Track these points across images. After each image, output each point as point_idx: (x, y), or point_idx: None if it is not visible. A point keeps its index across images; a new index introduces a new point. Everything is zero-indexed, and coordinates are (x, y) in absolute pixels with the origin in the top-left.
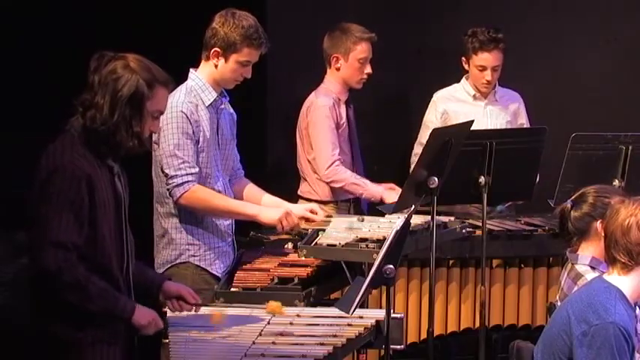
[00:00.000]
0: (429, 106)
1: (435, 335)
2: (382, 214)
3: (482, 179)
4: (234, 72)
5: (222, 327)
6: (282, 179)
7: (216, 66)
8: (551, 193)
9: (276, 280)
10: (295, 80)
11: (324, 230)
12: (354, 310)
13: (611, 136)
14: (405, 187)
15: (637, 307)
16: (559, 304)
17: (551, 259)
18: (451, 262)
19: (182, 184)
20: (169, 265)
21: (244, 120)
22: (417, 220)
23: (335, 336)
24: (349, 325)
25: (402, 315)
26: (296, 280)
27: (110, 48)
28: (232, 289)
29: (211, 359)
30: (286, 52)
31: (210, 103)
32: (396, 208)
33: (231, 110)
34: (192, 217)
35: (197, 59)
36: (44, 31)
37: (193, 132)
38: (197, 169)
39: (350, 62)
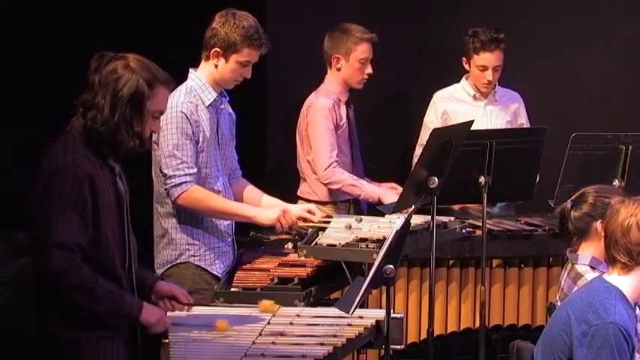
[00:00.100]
0: (429, 106)
1: (435, 335)
2: (382, 214)
3: (482, 179)
4: (234, 72)
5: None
6: (282, 180)
7: (216, 66)
8: (551, 193)
9: (276, 280)
10: (295, 80)
11: (324, 230)
12: (354, 310)
13: (611, 136)
14: (405, 187)
15: (637, 307)
16: (559, 304)
17: (551, 259)
18: (451, 262)
19: (180, 184)
20: (169, 265)
21: (244, 120)
22: (417, 220)
23: (335, 336)
24: (349, 325)
25: (402, 315)
26: (296, 280)
27: (110, 48)
28: (232, 289)
29: (211, 359)
30: (286, 52)
31: (210, 103)
32: (396, 208)
33: (231, 110)
34: (192, 217)
35: (197, 59)
36: (44, 31)
37: (193, 132)
38: (195, 170)
39: (351, 63)
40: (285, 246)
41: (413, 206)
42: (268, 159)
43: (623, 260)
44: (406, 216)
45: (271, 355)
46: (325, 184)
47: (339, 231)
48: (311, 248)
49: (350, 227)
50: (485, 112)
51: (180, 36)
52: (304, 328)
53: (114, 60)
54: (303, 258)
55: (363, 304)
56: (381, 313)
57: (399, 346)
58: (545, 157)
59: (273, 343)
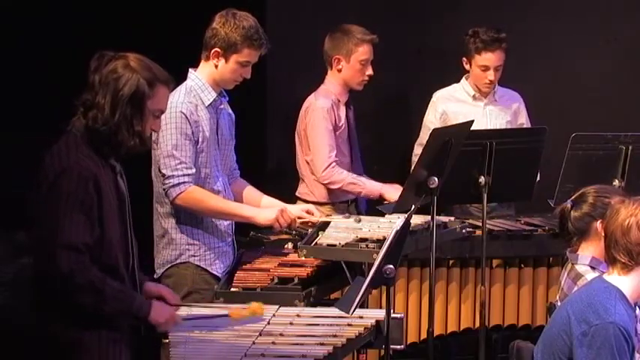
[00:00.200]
0: (429, 106)
1: (435, 335)
2: (382, 214)
3: (482, 179)
4: (234, 72)
5: (224, 327)
6: (282, 180)
7: (216, 66)
8: (551, 193)
9: (276, 280)
10: (295, 80)
11: (323, 230)
12: (354, 310)
13: (611, 136)
14: (405, 187)
15: (637, 307)
16: (559, 304)
17: (551, 259)
18: (451, 262)
19: (178, 184)
20: (169, 265)
21: (244, 120)
22: (417, 220)
23: (335, 336)
24: (349, 325)
25: (402, 315)
26: (296, 280)
27: (110, 48)
28: (232, 289)
29: (211, 359)
30: (286, 52)
31: (210, 103)
32: (396, 208)
33: (230, 110)
34: (192, 217)
35: (197, 59)
36: (44, 31)
37: (192, 132)
38: (194, 170)
39: (351, 64)
40: (285, 246)
41: (413, 206)
42: (268, 159)
43: (623, 260)
44: (406, 216)
45: (271, 355)
46: (325, 185)
47: (339, 231)
48: (311, 248)
49: (359, 221)
50: (485, 112)
51: (180, 36)
52: (304, 328)
53: (114, 59)
54: (303, 258)
55: (363, 304)
56: (381, 313)
57: (399, 346)
58: (545, 157)
59: (273, 343)
